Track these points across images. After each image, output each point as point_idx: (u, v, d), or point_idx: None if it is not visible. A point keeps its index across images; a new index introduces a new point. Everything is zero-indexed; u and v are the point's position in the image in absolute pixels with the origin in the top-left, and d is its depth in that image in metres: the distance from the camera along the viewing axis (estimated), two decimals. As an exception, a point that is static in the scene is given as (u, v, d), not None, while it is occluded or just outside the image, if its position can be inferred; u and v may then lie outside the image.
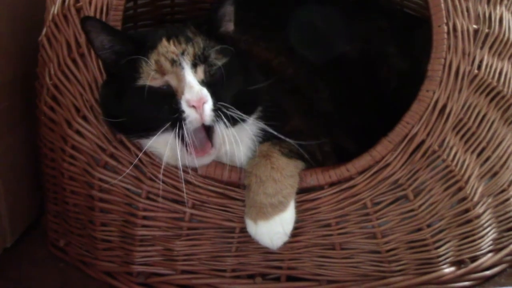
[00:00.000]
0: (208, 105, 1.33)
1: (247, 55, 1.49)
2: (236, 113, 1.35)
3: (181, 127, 1.33)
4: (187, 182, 1.48)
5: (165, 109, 1.34)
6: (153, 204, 1.52)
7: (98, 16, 1.49)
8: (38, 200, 1.83)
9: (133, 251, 1.57)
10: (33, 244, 1.78)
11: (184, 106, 1.33)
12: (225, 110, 1.34)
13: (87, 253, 1.65)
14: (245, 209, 1.46)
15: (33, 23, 1.72)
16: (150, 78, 1.34)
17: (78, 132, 1.53)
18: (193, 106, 1.32)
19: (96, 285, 1.63)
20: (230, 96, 1.37)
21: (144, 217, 1.54)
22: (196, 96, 1.32)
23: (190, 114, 1.32)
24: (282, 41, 1.69)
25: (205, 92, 1.33)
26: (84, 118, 1.52)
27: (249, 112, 1.42)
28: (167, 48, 1.36)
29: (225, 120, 1.34)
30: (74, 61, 1.52)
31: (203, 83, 1.35)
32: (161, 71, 1.34)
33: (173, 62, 1.34)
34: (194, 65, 1.34)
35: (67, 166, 1.58)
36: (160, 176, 1.45)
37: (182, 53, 1.34)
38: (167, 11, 2.03)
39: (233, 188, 1.48)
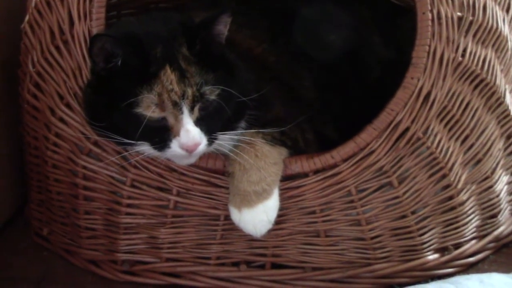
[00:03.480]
0: (202, 146, 1.34)
1: (240, 63, 1.45)
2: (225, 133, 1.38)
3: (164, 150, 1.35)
4: (172, 169, 1.48)
5: (155, 140, 1.34)
6: (137, 192, 1.52)
7: (81, 2, 1.48)
8: (21, 189, 1.82)
9: (118, 239, 1.57)
10: (16, 233, 1.78)
11: (175, 145, 1.33)
12: (215, 137, 1.36)
13: (71, 242, 1.64)
14: (229, 196, 1.46)
15: (14, 10, 1.70)
16: (150, 111, 1.31)
17: (61, 120, 1.52)
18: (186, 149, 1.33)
19: (80, 273, 1.62)
20: (223, 122, 1.38)
21: (129, 205, 1.53)
22: (191, 141, 1.32)
23: (179, 152, 1.33)
24: (265, 29, 1.68)
25: (199, 137, 1.33)
26: (68, 105, 1.51)
27: (238, 121, 1.43)
28: (171, 82, 1.32)
29: (213, 144, 1.37)
30: (57, 48, 1.51)
31: (198, 121, 1.34)
32: (161, 108, 1.32)
33: (175, 104, 1.31)
34: (192, 108, 1.33)
35: (50, 154, 1.57)
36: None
37: (183, 96, 1.32)
38: (151, 0, 2.02)
39: (218, 176, 1.48)
